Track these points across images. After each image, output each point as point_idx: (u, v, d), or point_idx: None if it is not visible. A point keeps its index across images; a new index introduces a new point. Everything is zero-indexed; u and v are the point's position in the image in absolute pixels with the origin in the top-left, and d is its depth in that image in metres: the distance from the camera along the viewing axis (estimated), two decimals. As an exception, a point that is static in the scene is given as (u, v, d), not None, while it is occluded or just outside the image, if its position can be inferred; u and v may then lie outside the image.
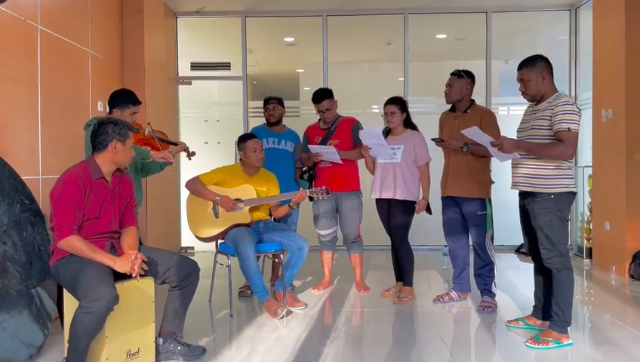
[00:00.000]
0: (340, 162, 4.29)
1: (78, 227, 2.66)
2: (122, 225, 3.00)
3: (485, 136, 3.44)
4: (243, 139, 4.03)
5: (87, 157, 2.85)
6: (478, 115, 3.90)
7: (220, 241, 4.07)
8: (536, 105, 3.27)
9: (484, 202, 3.93)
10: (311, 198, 4.23)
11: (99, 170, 2.77)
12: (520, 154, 3.27)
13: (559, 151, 3.07)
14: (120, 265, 2.63)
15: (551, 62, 3.24)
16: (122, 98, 3.50)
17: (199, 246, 6.34)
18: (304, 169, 4.55)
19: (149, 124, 3.73)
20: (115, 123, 2.79)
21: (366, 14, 6.85)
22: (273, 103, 4.56)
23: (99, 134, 2.76)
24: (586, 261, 5.83)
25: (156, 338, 2.93)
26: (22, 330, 2.86)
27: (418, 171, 4.19)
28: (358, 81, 7.41)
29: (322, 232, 4.50)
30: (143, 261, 2.67)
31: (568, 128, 3.03)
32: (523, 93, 3.29)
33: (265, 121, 4.66)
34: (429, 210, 4.19)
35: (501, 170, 4.14)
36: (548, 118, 3.12)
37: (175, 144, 3.80)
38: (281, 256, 4.08)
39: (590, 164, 5.77)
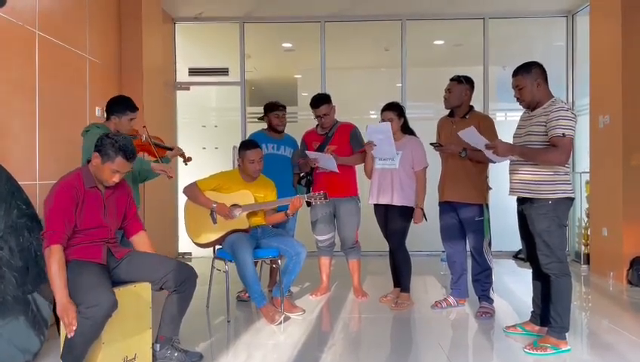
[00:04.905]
0: (337, 171, 4.29)
1: (71, 235, 2.65)
2: (130, 233, 3.01)
3: (481, 137, 3.45)
4: (244, 147, 4.01)
5: (82, 165, 2.84)
6: (477, 120, 3.90)
7: (217, 247, 4.06)
8: (532, 111, 3.28)
9: (482, 208, 3.93)
10: (309, 204, 4.23)
11: (91, 179, 2.76)
12: (516, 159, 3.27)
13: (553, 157, 3.07)
14: (60, 309, 2.47)
15: (546, 68, 3.25)
16: (120, 105, 3.50)
17: (197, 251, 6.32)
18: (302, 174, 4.54)
19: (144, 127, 3.73)
20: (113, 143, 2.71)
21: (364, 20, 6.88)
22: (283, 111, 4.54)
23: (95, 143, 2.76)
24: (584, 267, 5.83)
25: (153, 344, 2.92)
26: (18, 336, 2.85)
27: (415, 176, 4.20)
28: (355, 86, 7.42)
29: (320, 238, 4.50)
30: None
31: (563, 134, 3.04)
32: (518, 100, 3.29)
33: (264, 127, 4.66)
34: (424, 217, 4.19)
35: (499, 175, 4.15)
36: (543, 123, 3.13)
37: (171, 149, 3.81)
38: (279, 261, 4.07)
39: (587, 170, 5.79)
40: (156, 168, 3.47)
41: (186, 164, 3.92)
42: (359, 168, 4.45)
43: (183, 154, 3.84)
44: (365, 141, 4.27)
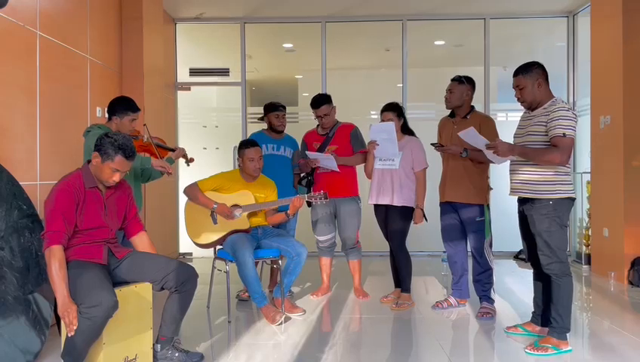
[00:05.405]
0: (338, 170, 4.29)
1: (72, 235, 2.66)
2: (130, 234, 3.01)
3: (481, 138, 3.45)
4: (243, 146, 4.02)
5: (83, 166, 2.84)
6: (478, 120, 3.90)
7: (218, 247, 4.06)
8: (532, 111, 3.28)
9: (483, 208, 3.93)
10: (309, 204, 4.23)
11: (92, 179, 2.76)
12: (516, 160, 3.27)
13: (554, 157, 3.06)
14: (61, 308, 2.47)
15: (547, 68, 3.25)
16: (122, 105, 3.51)
17: (197, 252, 6.33)
18: (302, 175, 4.54)
19: (145, 125, 3.73)
20: (112, 141, 2.71)
21: (364, 21, 6.88)
22: (282, 111, 4.54)
23: (95, 143, 2.76)
24: (585, 267, 5.83)
25: (154, 344, 2.92)
26: (19, 337, 2.85)
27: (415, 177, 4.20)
28: (356, 87, 7.43)
29: (320, 238, 4.50)
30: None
31: (564, 134, 3.04)
32: (519, 100, 3.29)
33: (264, 127, 4.66)
34: (424, 217, 4.19)
35: (499, 176, 4.15)
36: (544, 123, 3.12)
37: (173, 150, 3.81)
38: (280, 262, 4.07)
39: (588, 170, 5.78)
40: (156, 164, 3.47)
41: (188, 165, 3.93)
42: (359, 168, 4.45)
43: (185, 155, 3.84)
44: (369, 140, 4.26)
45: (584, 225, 6.10)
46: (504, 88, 6.83)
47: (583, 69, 6.52)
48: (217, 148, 7.13)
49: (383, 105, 4.29)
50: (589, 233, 5.82)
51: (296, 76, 7.93)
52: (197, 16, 6.80)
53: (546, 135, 3.11)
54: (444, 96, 4.05)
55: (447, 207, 4.05)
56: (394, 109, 4.23)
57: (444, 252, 4.34)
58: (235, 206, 3.93)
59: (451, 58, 7.75)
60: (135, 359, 2.77)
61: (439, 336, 3.51)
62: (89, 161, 2.80)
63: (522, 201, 3.32)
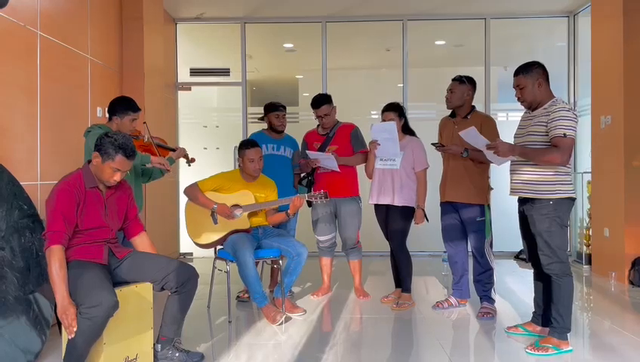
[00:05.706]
0: (338, 170, 4.29)
1: (73, 235, 2.66)
2: (130, 234, 3.01)
3: (482, 138, 3.45)
4: (243, 146, 4.02)
5: (83, 166, 2.84)
6: (478, 120, 3.90)
7: (218, 247, 4.06)
8: (532, 111, 3.27)
9: (483, 208, 3.93)
10: (309, 204, 4.22)
11: (92, 179, 2.76)
12: (517, 160, 3.27)
13: (554, 157, 3.06)
14: (60, 310, 2.48)
15: (548, 68, 3.25)
16: (122, 105, 3.51)
17: (198, 252, 6.33)
18: (302, 175, 4.54)
19: (144, 123, 3.73)
20: (113, 141, 2.71)
21: (365, 21, 6.88)
22: (283, 111, 4.54)
23: (95, 143, 2.76)
24: (586, 267, 5.83)
25: (154, 344, 2.92)
26: (19, 337, 2.85)
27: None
28: (357, 87, 7.43)
29: (321, 238, 4.50)
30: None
31: (564, 134, 3.03)
32: (519, 100, 3.29)
33: (264, 127, 4.66)
34: (425, 218, 4.19)
35: (500, 176, 4.15)
36: (544, 123, 3.12)
37: (174, 150, 3.81)
38: (280, 262, 4.07)
39: (589, 170, 5.78)
40: (155, 161, 3.48)
41: (189, 165, 3.93)
42: (360, 168, 4.45)
43: (186, 155, 3.84)
44: (369, 140, 4.26)
45: (585, 225, 6.10)
46: (504, 88, 6.83)
47: (583, 68, 6.51)
48: (218, 148, 7.13)
49: (384, 105, 4.29)
50: (590, 233, 5.81)
51: (297, 76, 7.93)
52: (197, 16, 6.81)
53: (547, 135, 3.11)
54: (444, 96, 4.05)
55: (448, 207, 4.05)
56: (395, 109, 4.23)
57: (445, 252, 4.34)
58: (236, 206, 3.93)
59: (452, 58, 7.75)
60: (136, 359, 2.78)
61: (440, 336, 3.51)
62: (89, 161, 2.80)
63: (522, 201, 3.32)
